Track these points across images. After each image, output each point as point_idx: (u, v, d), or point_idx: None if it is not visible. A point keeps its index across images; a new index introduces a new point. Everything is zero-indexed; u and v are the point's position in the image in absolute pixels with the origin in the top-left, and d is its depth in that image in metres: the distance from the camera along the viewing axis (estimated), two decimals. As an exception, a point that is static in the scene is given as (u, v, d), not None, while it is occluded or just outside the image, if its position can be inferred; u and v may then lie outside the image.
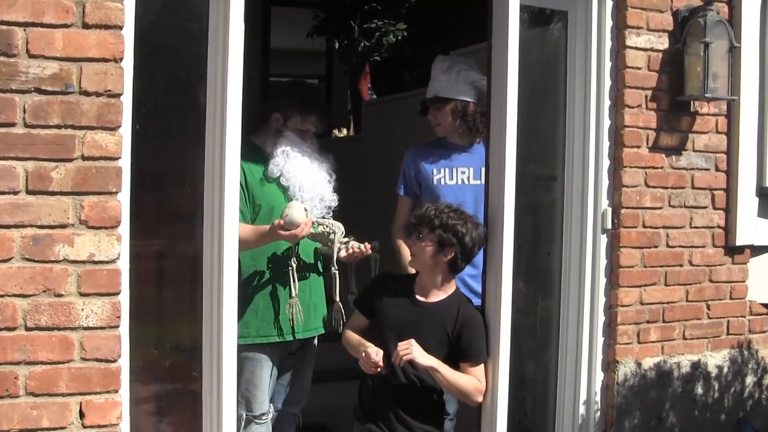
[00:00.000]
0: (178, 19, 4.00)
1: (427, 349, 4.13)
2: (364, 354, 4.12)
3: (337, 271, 4.63)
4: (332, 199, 4.72)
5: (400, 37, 11.18)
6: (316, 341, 4.85)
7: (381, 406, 4.18)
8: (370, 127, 9.17)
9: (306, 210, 4.43)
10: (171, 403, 4.25)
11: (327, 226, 4.56)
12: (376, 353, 4.10)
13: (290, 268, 4.53)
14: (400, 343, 4.05)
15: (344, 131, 12.43)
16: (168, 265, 4.26)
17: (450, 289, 4.29)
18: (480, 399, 4.31)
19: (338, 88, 13.18)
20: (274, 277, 4.58)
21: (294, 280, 4.53)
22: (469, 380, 4.24)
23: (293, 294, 4.52)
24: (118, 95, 3.59)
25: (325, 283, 4.76)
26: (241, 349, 4.21)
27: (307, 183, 4.62)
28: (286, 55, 11.82)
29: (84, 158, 3.55)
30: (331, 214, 4.73)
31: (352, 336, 4.32)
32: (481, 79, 4.89)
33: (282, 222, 4.34)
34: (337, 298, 4.66)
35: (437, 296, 4.26)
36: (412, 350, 4.04)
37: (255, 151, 4.61)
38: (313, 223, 4.49)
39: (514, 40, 4.40)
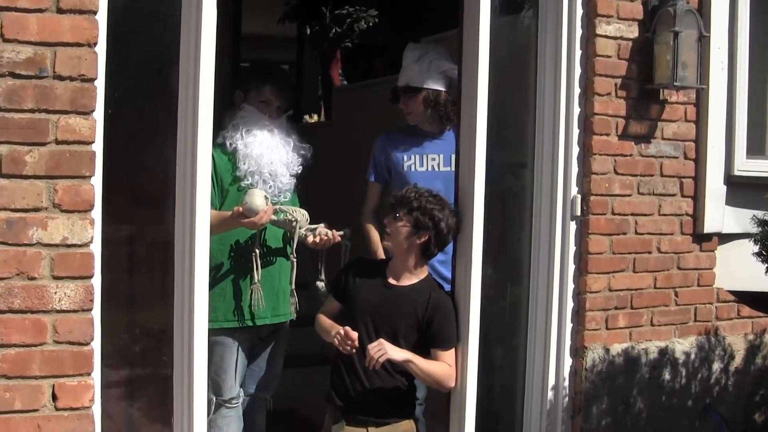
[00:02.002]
0: (150, 3, 3.99)
1: (398, 333, 4.17)
2: (338, 334, 4.13)
3: (295, 259, 4.65)
4: (285, 183, 4.67)
5: (371, 24, 11.21)
6: (287, 326, 4.84)
7: (356, 393, 4.20)
8: (341, 113, 9.17)
9: (267, 197, 4.42)
10: (142, 386, 4.24)
11: (289, 214, 4.55)
12: (348, 333, 4.11)
13: (254, 254, 4.53)
14: (369, 346, 4.06)
15: (315, 117, 12.44)
16: (139, 250, 4.26)
17: (422, 273, 4.32)
18: (452, 384, 4.34)
19: (309, 74, 13.18)
20: (241, 262, 4.57)
21: (257, 267, 4.53)
22: (441, 367, 4.27)
23: (256, 280, 4.52)
24: (92, 80, 3.58)
25: (298, 269, 4.75)
26: (210, 333, 4.21)
27: (256, 156, 4.57)
28: (257, 40, 11.81)
29: (58, 142, 3.54)
30: (291, 194, 4.72)
31: (325, 320, 4.33)
32: (453, 68, 4.89)
33: (241, 209, 4.34)
34: (292, 286, 4.67)
35: (409, 280, 4.28)
36: (386, 349, 4.05)
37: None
38: (276, 210, 4.49)
39: (485, 27, 4.42)
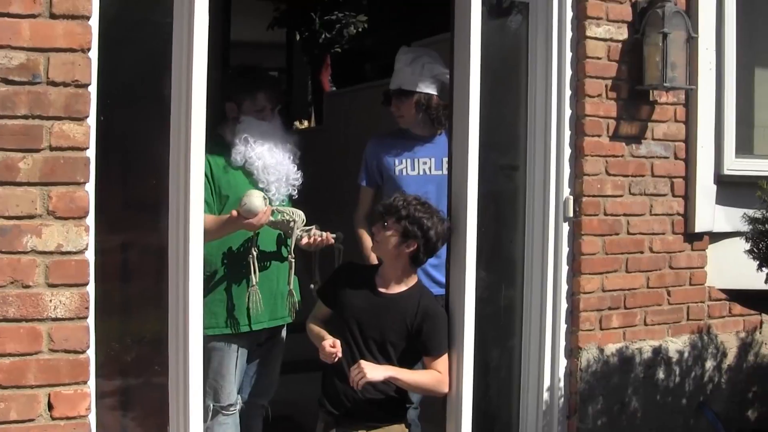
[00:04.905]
0: (143, 9, 3.98)
1: (386, 340, 4.17)
2: (323, 347, 4.14)
3: (293, 260, 4.64)
4: (296, 178, 4.71)
5: (360, 29, 11.22)
6: (284, 332, 4.85)
7: (347, 398, 4.20)
8: (332, 118, 9.18)
9: (265, 198, 4.42)
10: (138, 394, 4.23)
11: (287, 214, 4.56)
12: (331, 344, 4.11)
13: (251, 257, 4.53)
14: (351, 369, 4.07)
15: (305, 123, 12.44)
16: (133, 256, 4.24)
17: (411, 281, 4.30)
18: (445, 390, 4.33)
19: (299, 80, 13.18)
20: (237, 267, 4.57)
21: (255, 269, 4.53)
22: (430, 376, 4.27)
23: (254, 282, 4.52)
24: (86, 85, 3.57)
25: (296, 272, 4.74)
26: (209, 339, 4.21)
27: (271, 166, 4.59)
28: (247, 46, 11.79)
29: (52, 148, 3.52)
30: (296, 195, 4.74)
31: (314, 327, 4.31)
32: (445, 72, 4.90)
33: (239, 211, 4.34)
34: (290, 287, 4.67)
35: (398, 288, 4.26)
36: (365, 371, 4.04)
37: (219, 143, 4.59)
38: (273, 211, 4.50)
39: (476, 31, 4.42)
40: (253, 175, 4.59)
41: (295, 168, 4.72)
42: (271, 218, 4.48)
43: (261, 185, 4.58)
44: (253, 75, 4.82)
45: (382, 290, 4.26)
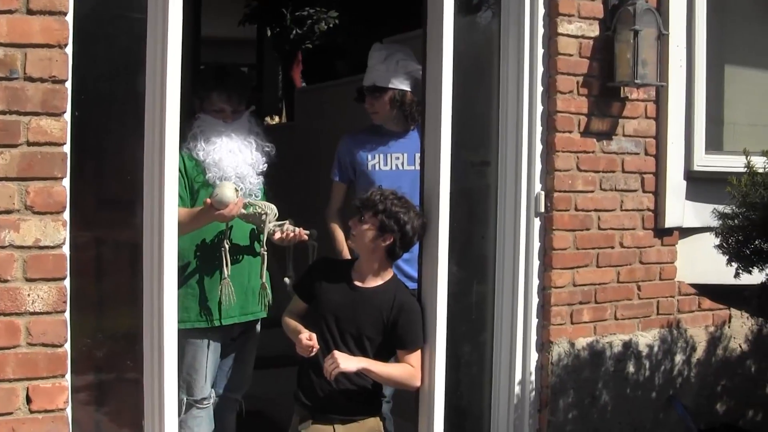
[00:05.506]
0: (117, 6, 3.97)
1: (362, 334, 4.19)
2: (299, 341, 4.16)
3: (266, 252, 4.66)
4: (254, 183, 4.70)
5: (331, 25, 11.22)
6: (259, 327, 4.86)
7: (323, 392, 4.22)
8: (303, 115, 9.17)
9: (237, 190, 4.42)
10: (113, 388, 4.22)
11: (259, 207, 4.57)
12: (308, 337, 4.14)
13: (223, 248, 4.54)
14: (325, 359, 4.09)
15: (276, 118, 12.43)
16: (108, 251, 4.23)
17: (387, 275, 4.33)
18: (417, 384, 4.36)
19: (270, 76, 13.15)
20: (209, 260, 4.57)
21: (227, 262, 4.53)
22: (402, 369, 4.30)
23: (226, 275, 4.53)
24: (63, 81, 3.57)
25: (268, 267, 4.76)
26: (182, 333, 4.20)
27: (224, 160, 4.58)
28: (218, 42, 11.78)
29: (29, 144, 3.52)
30: (259, 196, 4.73)
31: (290, 322, 4.33)
32: (418, 69, 4.89)
33: (212, 201, 4.34)
34: (263, 279, 4.69)
35: (374, 282, 4.29)
36: (338, 362, 4.06)
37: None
38: (245, 204, 4.51)
39: (448, 27, 4.43)
40: (209, 171, 4.59)
41: (255, 171, 4.71)
42: (243, 210, 4.49)
43: (207, 179, 4.58)
44: (217, 74, 4.80)
45: (358, 284, 4.29)
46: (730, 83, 6.04)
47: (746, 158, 4.70)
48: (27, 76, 3.52)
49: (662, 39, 5.27)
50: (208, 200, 4.36)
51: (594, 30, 5.19)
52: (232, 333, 4.70)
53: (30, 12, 3.52)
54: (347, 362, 4.10)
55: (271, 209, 4.60)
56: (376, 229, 4.19)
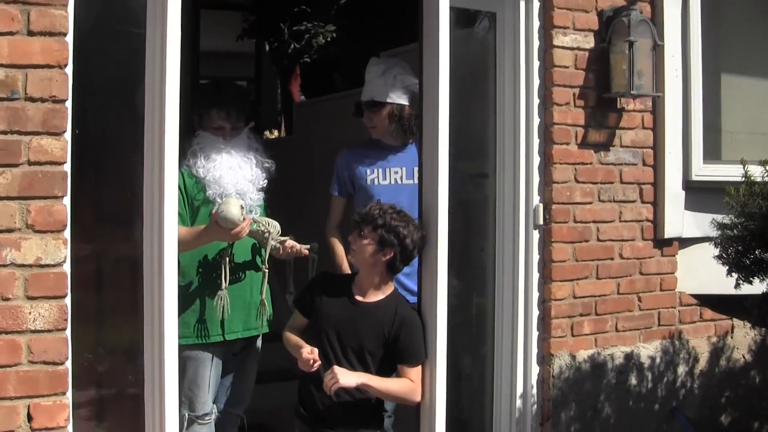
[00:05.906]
0: (116, 24, 3.98)
1: (364, 349, 4.19)
2: (301, 356, 4.15)
3: (267, 270, 4.65)
4: (254, 199, 4.68)
5: (329, 39, 11.22)
6: (260, 342, 4.85)
7: (324, 406, 4.21)
8: (302, 129, 9.17)
9: (242, 207, 4.41)
10: (114, 403, 4.23)
11: (263, 224, 4.57)
12: (309, 351, 4.14)
13: (223, 262, 4.52)
14: (325, 374, 4.09)
15: (275, 132, 12.42)
16: (109, 268, 4.24)
17: (388, 289, 4.33)
18: (418, 398, 4.35)
19: (268, 90, 13.16)
20: (211, 277, 4.56)
21: (225, 275, 4.52)
22: (402, 384, 4.29)
23: (223, 287, 4.52)
24: (63, 101, 3.60)
25: (269, 283, 4.74)
26: (184, 349, 4.20)
27: (224, 177, 4.57)
28: (216, 57, 11.78)
29: (30, 163, 3.55)
30: (260, 212, 4.72)
31: (291, 337, 4.33)
32: (416, 83, 4.89)
33: (216, 217, 4.33)
34: (262, 296, 4.67)
35: (375, 296, 4.29)
36: (338, 377, 4.06)
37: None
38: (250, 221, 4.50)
39: (444, 41, 4.44)
40: (208, 187, 4.58)
41: (256, 188, 4.70)
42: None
43: (207, 196, 4.57)
44: (216, 91, 4.79)
45: (359, 299, 4.29)
46: (726, 92, 6.04)
47: (744, 168, 4.69)
48: (28, 97, 3.55)
49: (657, 49, 5.28)
50: (214, 212, 4.35)
51: (589, 42, 5.20)
52: (234, 348, 4.70)
53: (30, 33, 3.56)
54: (347, 377, 4.09)
55: (275, 227, 4.59)
56: (376, 243, 4.19)
